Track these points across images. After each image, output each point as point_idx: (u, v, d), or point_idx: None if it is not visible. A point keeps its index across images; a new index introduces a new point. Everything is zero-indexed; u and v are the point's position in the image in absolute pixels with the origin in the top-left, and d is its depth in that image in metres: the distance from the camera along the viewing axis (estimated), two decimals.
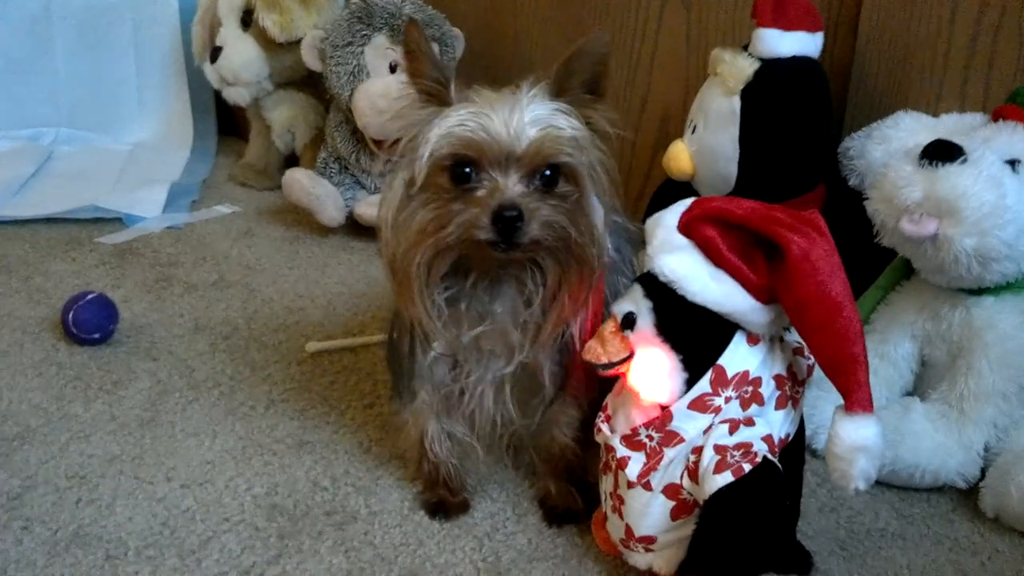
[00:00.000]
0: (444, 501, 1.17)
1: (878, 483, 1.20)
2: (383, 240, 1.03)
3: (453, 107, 1.00)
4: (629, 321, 0.99)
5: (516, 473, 1.24)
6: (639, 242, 1.24)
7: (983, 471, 1.21)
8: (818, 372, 1.01)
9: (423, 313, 1.03)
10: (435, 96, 1.01)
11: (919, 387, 1.31)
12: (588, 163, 1.01)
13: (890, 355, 1.30)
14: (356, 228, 1.92)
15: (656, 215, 1.00)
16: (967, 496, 1.22)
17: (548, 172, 0.99)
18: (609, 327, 1.00)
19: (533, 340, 1.05)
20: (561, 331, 1.05)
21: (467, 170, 0.98)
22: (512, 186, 0.98)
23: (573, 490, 1.17)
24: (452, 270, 1.03)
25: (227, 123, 2.45)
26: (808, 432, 1.16)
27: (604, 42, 1.00)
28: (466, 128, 0.98)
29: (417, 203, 1.00)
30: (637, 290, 0.99)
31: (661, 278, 0.96)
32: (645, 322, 0.97)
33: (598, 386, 1.09)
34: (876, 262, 1.35)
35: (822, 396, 1.25)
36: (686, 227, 0.96)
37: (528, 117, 0.98)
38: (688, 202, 0.98)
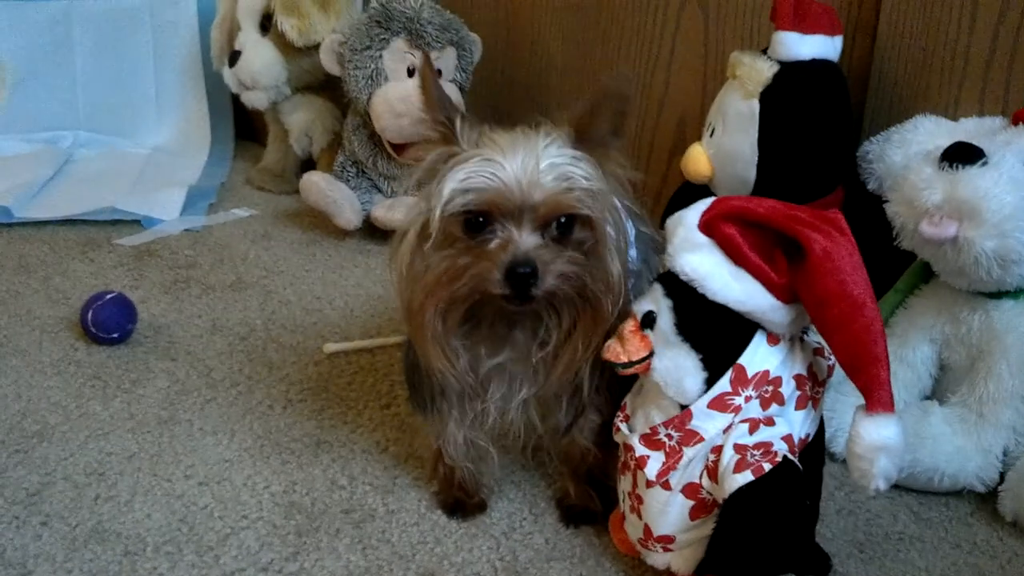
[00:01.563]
0: (460, 501, 1.18)
1: (896, 486, 1.20)
2: (398, 290, 1.03)
3: (465, 156, 0.97)
4: (649, 320, 0.98)
5: (533, 473, 1.24)
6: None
7: (1002, 475, 1.20)
8: (837, 375, 1.01)
9: (439, 360, 1.02)
10: (443, 136, 1.00)
11: (938, 391, 1.30)
12: (603, 209, 0.99)
13: (909, 358, 1.30)
14: (373, 231, 1.93)
15: (677, 214, 1.00)
16: (986, 500, 1.21)
17: (563, 220, 0.98)
18: (629, 326, 1.00)
19: (545, 379, 1.05)
20: (574, 372, 1.04)
21: (480, 220, 0.97)
22: (526, 238, 0.96)
23: (592, 491, 1.16)
24: (467, 316, 1.02)
25: (244, 127, 2.46)
26: (827, 435, 1.16)
27: (628, 82, 1.01)
28: (479, 181, 0.96)
29: (430, 254, 0.99)
30: (657, 289, 0.99)
31: (682, 277, 0.96)
32: (665, 321, 0.97)
33: (618, 394, 1.08)
34: (895, 266, 1.34)
35: (840, 399, 1.25)
36: (707, 225, 0.96)
37: (543, 165, 0.96)
38: (709, 201, 0.98)
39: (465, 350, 1.04)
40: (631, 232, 1.15)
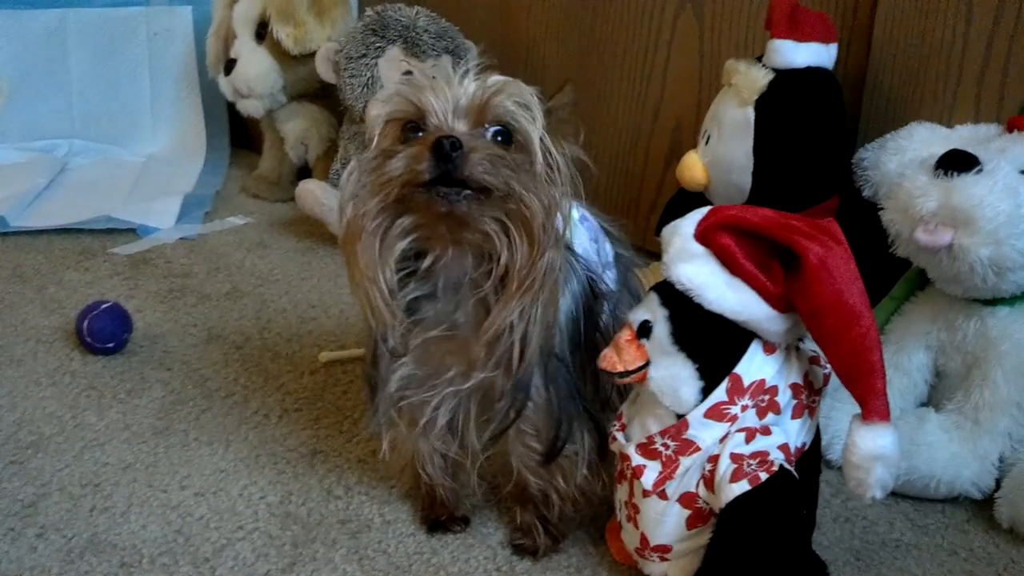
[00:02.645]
0: (442, 519, 1.16)
1: (893, 494, 1.19)
2: (341, 220, 0.99)
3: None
4: (645, 329, 0.98)
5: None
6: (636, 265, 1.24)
7: (998, 482, 1.20)
8: (832, 383, 1.01)
9: (379, 293, 0.97)
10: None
11: (934, 398, 1.30)
12: (537, 133, 0.97)
13: (904, 365, 1.30)
14: None
15: (673, 223, 0.99)
16: (982, 507, 1.21)
17: (499, 130, 0.96)
18: (625, 335, 1.00)
19: (489, 348, 1.00)
20: (509, 340, 0.99)
21: (413, 124, 0.96)
22: (456, 126, 0.95)
23: (537, 525, 1.11)
24: (410, 256, 0.99)
25: (240, 135, 2.46)
26: (823, 442, 1.16)
27: (569, 94, 1.01)
28: (413, 86, 0.96)
29: (368, 174, 0.97)
30: (653, 298, 0.99)
31: (678, 286, 0.96)
32: (661, 330, 0.97)
33: (559, 424, 1.06)
34: (890, 273, 1.35)
35: (836, 407, 1.25)
36: (703, 235, 0.96)
37: (480, 80, 0.96)
38: (705, 210, 0.98)
39: (403, 300, 1.00)
40: (589, 232, 1.15)
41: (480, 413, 1.07)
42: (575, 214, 1.17)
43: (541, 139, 0.97)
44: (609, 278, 1.10)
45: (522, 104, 0.97)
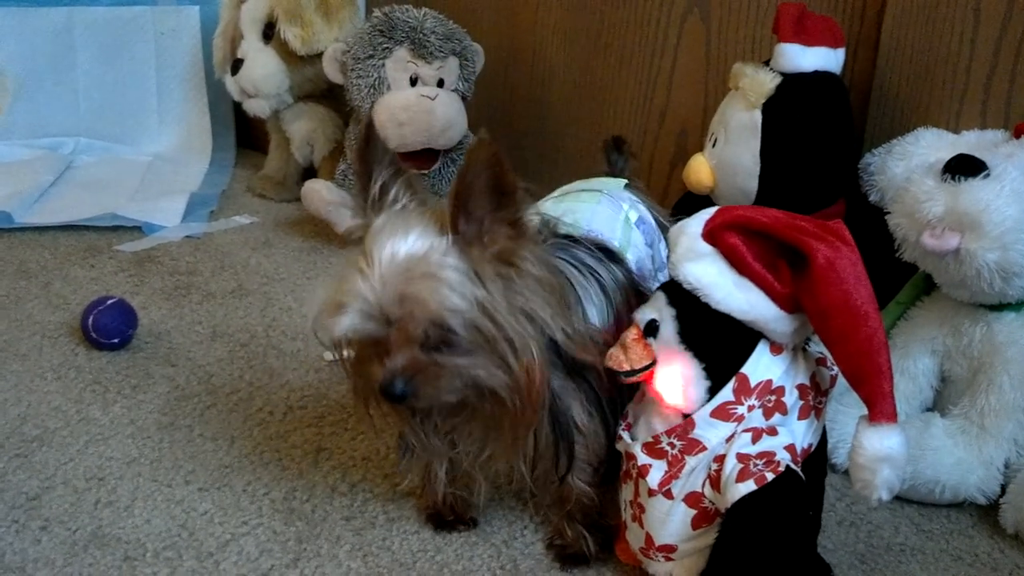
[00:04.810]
0: (450, 521, 1.16)
1: (898, 498, 1.20)
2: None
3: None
4: (652, 329, 0.98)
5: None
6: None
7: (1003, 487, 1.20)
8: (838, 387, 1.01)
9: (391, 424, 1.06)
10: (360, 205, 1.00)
11: (939, 403, 1.30)
12: (480, 309, 0.92)
13: (910, 370, 1.30)
14: None
15: (680, 223, 1.00)
16: (987, 512, 1.21)
17: (437, 329, 0.92)
18: (631, 334, 1.00)
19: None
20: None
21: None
22: (397, 358, 0.93)
23: (587, 534, 1.10)
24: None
25: (245, 135, 2.46)
26: (827, 447, 1.15)
27: (487, 143, 0.89)
28: (348, 319, 0.93)
29: (350, 367, 1.03)
30: (660, 298, 0.99)
31: (685, 286, 0.96)
32: (668, 330, 0.97)
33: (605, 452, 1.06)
34: (896, 278, 1.35)
35: (841, 411, 1.25)
36: (710, 235, 0.96)
37: (405, 278, 0.91)
38: (712, 210, 0.98)
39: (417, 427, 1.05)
40: (646, 236, 1.14)
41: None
42: (632, 215, 1.16)
43: (481, 310, 0.92)
44: (664, 280, 1.10)
45: (461, 295, 0.92)
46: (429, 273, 0.92)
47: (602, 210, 1.16)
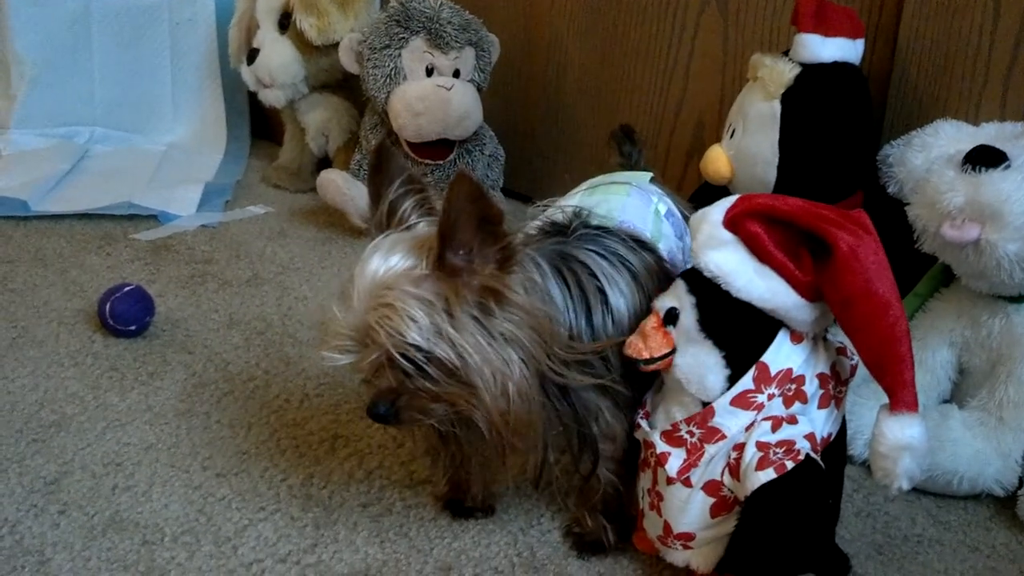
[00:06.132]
0: (466, 505, 1.16)
1: (915, 489, 1.19)
2: None
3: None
4: (672, 317, 0.98)
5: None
6: None
7: (1021, 479, 1.20)
8: (858, 377, 1.01)
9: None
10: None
11: (957, 394, 1.30)
12: (454, 346, 0.93)
13: (928, 362, 1.29)
14: None
15: (701, 211, 1.00)
16: (1005, 504, 1.21)
17: (403, 358, 0.94)
18: (651, 322, 1.00)
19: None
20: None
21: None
22: (382, 383, 0.97)
23: (607, 524, 1.10)
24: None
25: (260, 125, 2.46)
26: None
27: (467, 178, 0.89)
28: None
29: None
30: (680, 286, 0.99)
31: (706, 273, 0.96)
32: (688, 318, 0.97)
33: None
34: (914, 270, 1.34)
35: (859, 402, 1.25)
36: (732, 223, 0.96)
37: (380, 317, 0.92)
38: (734, 198, 0.98)
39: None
40: (675, 228, 1.15)
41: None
42: (661, 208, 1.17)
43: (447, 343, 0.93)
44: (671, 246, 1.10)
45: (436, 331, 0.93)
46: (390, 304, 0.93)
47: (632, 202, 1.16)
